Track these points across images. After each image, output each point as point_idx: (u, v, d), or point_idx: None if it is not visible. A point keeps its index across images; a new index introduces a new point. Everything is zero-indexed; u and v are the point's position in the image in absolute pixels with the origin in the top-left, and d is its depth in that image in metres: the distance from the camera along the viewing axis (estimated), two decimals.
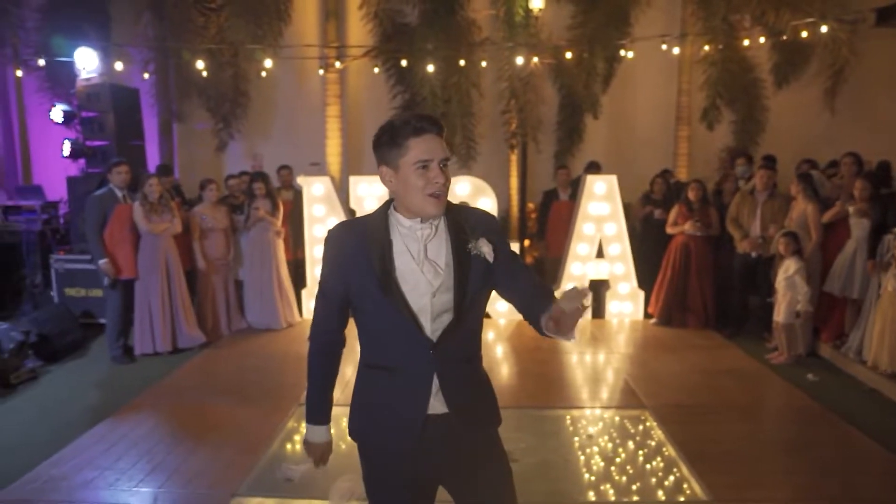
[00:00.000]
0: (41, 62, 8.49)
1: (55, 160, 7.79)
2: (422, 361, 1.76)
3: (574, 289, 1.53)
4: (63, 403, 4.79)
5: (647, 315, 7.00)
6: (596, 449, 4.01)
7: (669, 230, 6.72)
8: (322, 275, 1.86)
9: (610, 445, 4.06)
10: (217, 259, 6.43)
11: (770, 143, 8.91)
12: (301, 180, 7.21)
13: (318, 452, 2.00)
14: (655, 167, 8.35)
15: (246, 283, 6.72)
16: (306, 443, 2.00)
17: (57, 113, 7.04)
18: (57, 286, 6.77)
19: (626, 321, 7.01)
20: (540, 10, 8.19)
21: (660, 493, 3.50)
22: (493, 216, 1.87)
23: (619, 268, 7.02)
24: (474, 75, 8.94)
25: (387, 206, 1.80)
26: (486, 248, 1.72)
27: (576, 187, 7.40)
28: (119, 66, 8.31)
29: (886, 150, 7.26)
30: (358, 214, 6.41)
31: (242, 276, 6.80)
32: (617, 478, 3.65)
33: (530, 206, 9.09)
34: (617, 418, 4.50)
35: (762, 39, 8.69)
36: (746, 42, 8.69)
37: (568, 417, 4.51)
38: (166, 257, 5.83)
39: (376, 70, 9.32)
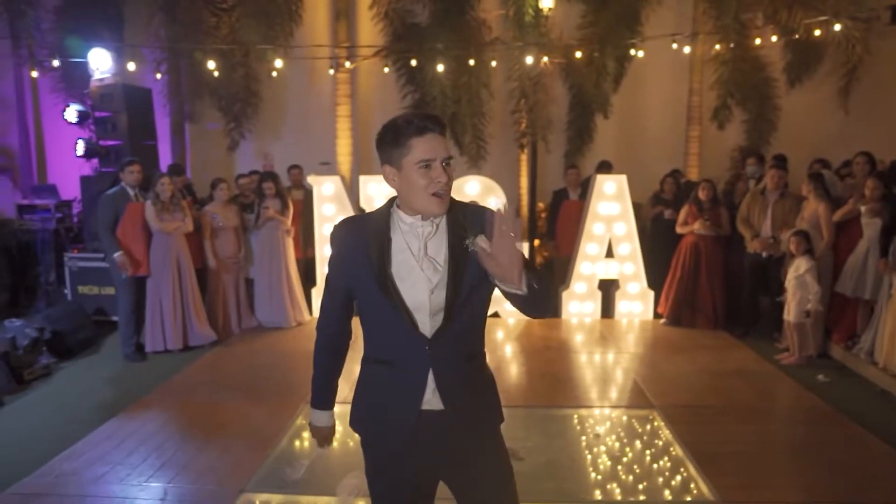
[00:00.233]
0: (56, 63, 8.60)
1: (69, 159, 7.87)
2: (418, 357, 1.77)
3: (489, 211, 1.53)
4: (76, 399, 4.85)
5: (656, 315, 6.98)
6: (603, 448, 4.01)
7: (679, 230, 6.69)
8: (328, 269, 1.92)
9: (617, 445, 4.05)
10: (228, 258, 6.49)
11: (782, 142, 8.84)
12: (311, 179, 7.26)
13: (322, 435, 2.08)
14: (666, 167, 8.31)
15: (256, 281, 6.77)
16: (311, 426, 2.08)
17: (71, 113, 7.12)
18: (70, 284, 6.85)
19: (636, 321, 6.99)
20: (550, 9, 8.18)
21: (666, 492, 3.50)
22: (491, 212, 1.84)
23: (628, 267, 7.00)
24: (484, 75, 8.94)
25: (391, 203, 1.82)
26: (483, 245, 1.70)
27: (586, 187, 7.38)
28: (132, 66, 8.40)
29: None
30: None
31: (253, 274, 6.85)
32: (624, 477, 3.64)
33: (540, 205, 9.08)
34: (625, 418, 4.50)
35: (774, 38, 8.63)
36: (758, 41, 8.64)
37: (575, 417, 4.51)
38: (177, 256, 5.89)
39: (386, 70, 9.35)
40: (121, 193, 5.75)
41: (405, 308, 1.75)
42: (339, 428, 4.13)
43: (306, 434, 4.14)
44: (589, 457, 3.90)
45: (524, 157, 9.25)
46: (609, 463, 3.81)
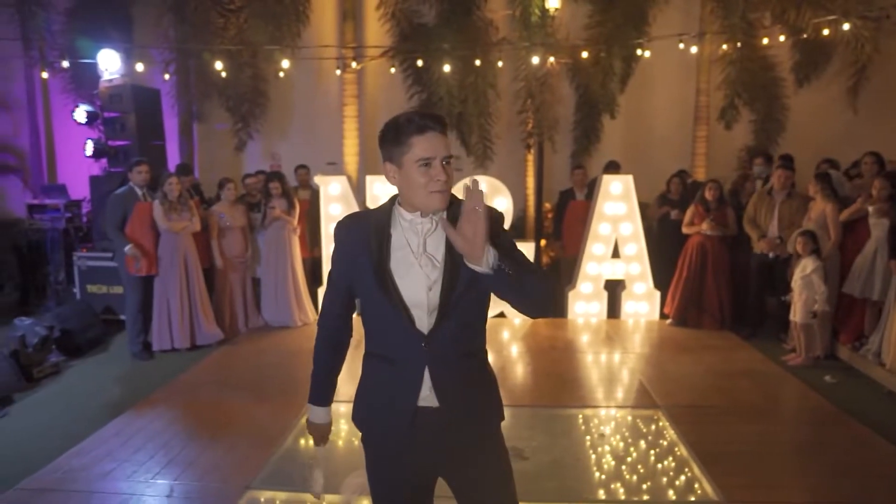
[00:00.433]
0: (65, 64, 8.68)
1: (79, 159, 7.94)
2: (414, 354, 1.77)
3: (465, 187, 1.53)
4: (84, 397, 4.90)
5: (662, 315, 6.97)
6: (607, 448, 4.01)
7: (685, 230, 6.68)
8: (330, 264, 1.93)
9: (622, 445, 4.05)
10: (235, 257, 6.52)
11: (790, 142, 8.80)
12: (318, 179, 7.29)
13: (319, 433, 2.07)
14: (673, 167, 8.28)
15: (262, 280, 6.81)
16: (308, 423, 2.07)
17: (80, 113, 7.18)
18: (79, 283, 6.91)
19: (642, 321, 6.98)
20: (556, 9, 8.18)
21: (670, 492, 3.49)
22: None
23: (634, 268, 6.99)
24: (491, 75, 8.94)
25: (393, 200, 1.83)
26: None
27: (592, 187, 7.38)
28: (140, 67, 8.45)
29: None
30: None
31: (260, 273, 6.89)
32: (628, 477, 3.64)
33: (547, 206, 9.08)
34: (629, 418, 4.49)
35: (782, 38, 8.58)
36: (766, 40, 8.60)
37: (580, 416, 4.51)
38: (185, 255, 5.93)
39: (393, 70, 9.37)
40: (129, 193, 5.80)
41: (403, 304, 1.75)
42: (343, 427, 4.15)
43: None
44: (593, 456, 3.90)
45: (531, 158, 9.24)
46: (613, 463, 3.81)
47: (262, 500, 3.40)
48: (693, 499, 3.44)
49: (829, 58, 8.86)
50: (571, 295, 7.06)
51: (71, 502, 3.35)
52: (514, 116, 9.08)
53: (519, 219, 9.17)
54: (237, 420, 4.41)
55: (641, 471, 3.71)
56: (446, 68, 8.63)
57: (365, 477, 1.99)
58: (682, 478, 3.63)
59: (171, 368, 5.49)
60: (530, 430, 4.22)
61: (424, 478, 1.92)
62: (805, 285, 5.42)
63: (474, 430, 1.86)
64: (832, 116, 9.06)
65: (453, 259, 1.72)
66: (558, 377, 5.32)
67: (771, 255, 6.11)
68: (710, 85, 9.18)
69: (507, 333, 6.58)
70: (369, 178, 7.15)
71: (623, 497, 3.46)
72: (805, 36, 8.31)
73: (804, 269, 5.43)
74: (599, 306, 7.08)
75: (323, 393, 2.03)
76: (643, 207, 7.19)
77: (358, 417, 1.94)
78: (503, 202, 6.80)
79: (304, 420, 4.36)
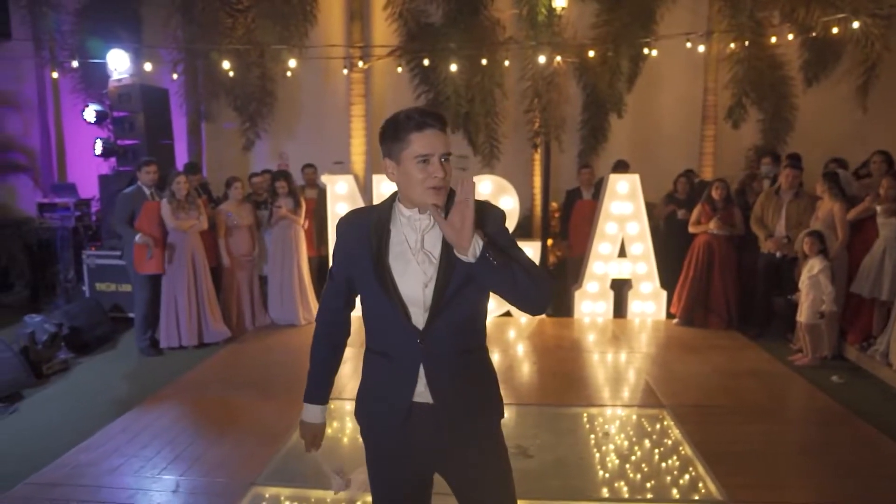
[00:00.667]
0: (75, 64, 8.75)
1: (88, 159, 8.01)
2: (410, 350, 1.78)
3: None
4: (92, 393, 4.95)
5: (669, 315, 6.95)
6: (612, 447, 4.01)
7: (692, 229, 6.66)
8: (332, 260, 1.94)
9: (626, 444, 4.05)
10: (242, 255, 6.56)
11: (799, 142, 8.74)
12: (325, 178, 7.32)
13: (310, 434, 2.04)
14: (680, 166, 8.25)
15: (269, 279, 6.84)
16: (301, 423, 2.05)
17: (90, 113, 7.25)
18: (88, 281, 6.98)
19: (649, 321, 6.96)
20: (563, 8, 8.16)
21: (674, 491, 3.49)
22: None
23: (641, 267, 6.98)
24: (498, 74, 8.94)
25: (394, 196, 1.84)
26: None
27: (599, 186, 7.37)
28: (149, 67, 8.51)
29: None
30: None
31: (267, 272, 6.92)
32: (631, 475, 3.64)
33: (553, 205, 9.07)
34: (634, 417, 4.49)
35: (791, 36, 8.53)
36: (774, 39, 8.55)
37: (585, 415, 4.51)
38: (192, 254, 5.97)
39: (400, 70, 9.39)
40: (137, 192, 5.85)
41: (400, 300, 1.76)
42: (349, 424, 4.15)
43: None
44: (597, 455, 3.90)
45: (537, 157, 9.23)
46: (617, 461, 3.81)
47: (267, 496, 3.43)
48: (697, 498, 3.43)
49: (838, 56, 8.79)
50: (578, 294, 7.06)
51: (79, 497, 3.38)
52: (521, 116, 9.08)
53: (525, 218, 9.17)
54: (243, 417, 4.44)
55: (645, 469, 3.71)
56: (453, 68, 8.64)
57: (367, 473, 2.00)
58: (686, 477, 3.62)
59: (179, 366, 5.53)
60: (535, 429, 4.23)
61: (421, 474, 1.93)
62: (812, 285, 5.40)
63: (471, 427, 1.85)
64: (841, 116, 8.99)
65: (449, 256, 1.72)
66: (564, 376, 5.32)
67: (778, 254, 6.08)
68: (718, 84, 9.14)
69: (514, 332, 6.58)
70: (376, 177, 7.16)
71: (627, 496, 3.46)
72: (814, 34, 8.25)
73: (811, 270, 5.40)
74: (606, 306, 7.07)
75: (317, 390, 2.02)
76: (650, 207, 7.17)
77: (358, 413, 1.96)
78: (510, 201, 6.79)
79: None
